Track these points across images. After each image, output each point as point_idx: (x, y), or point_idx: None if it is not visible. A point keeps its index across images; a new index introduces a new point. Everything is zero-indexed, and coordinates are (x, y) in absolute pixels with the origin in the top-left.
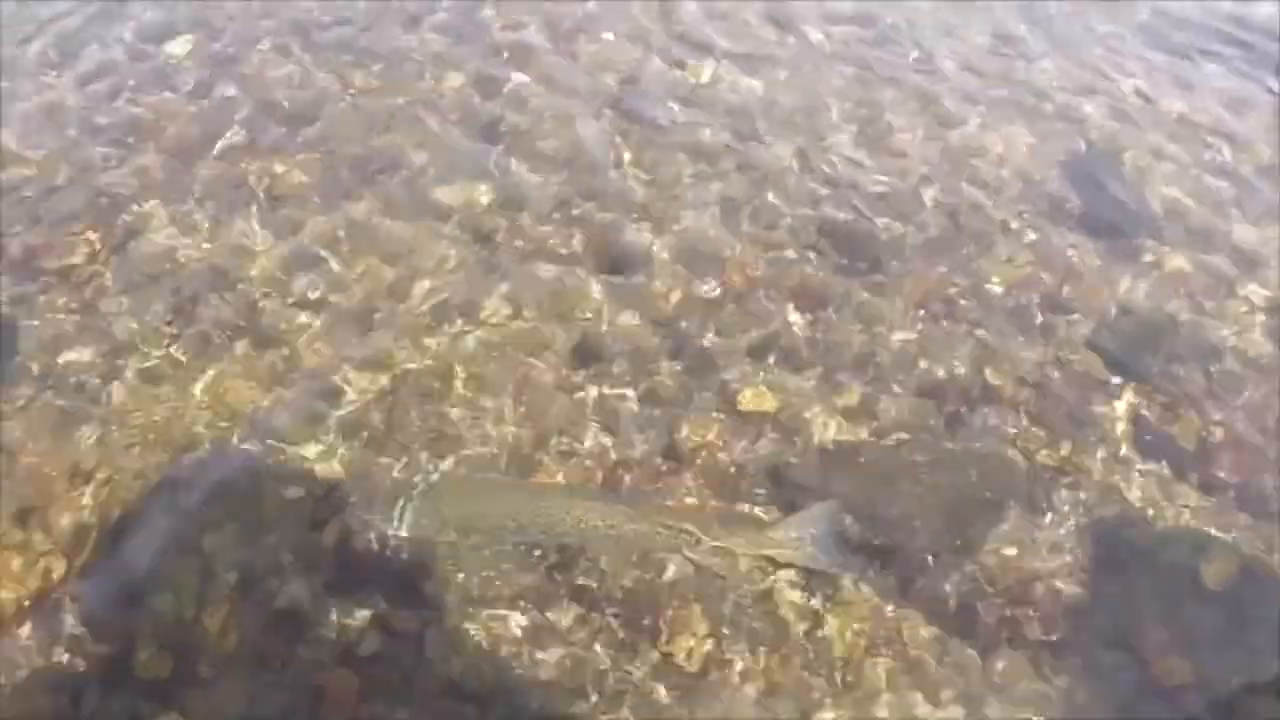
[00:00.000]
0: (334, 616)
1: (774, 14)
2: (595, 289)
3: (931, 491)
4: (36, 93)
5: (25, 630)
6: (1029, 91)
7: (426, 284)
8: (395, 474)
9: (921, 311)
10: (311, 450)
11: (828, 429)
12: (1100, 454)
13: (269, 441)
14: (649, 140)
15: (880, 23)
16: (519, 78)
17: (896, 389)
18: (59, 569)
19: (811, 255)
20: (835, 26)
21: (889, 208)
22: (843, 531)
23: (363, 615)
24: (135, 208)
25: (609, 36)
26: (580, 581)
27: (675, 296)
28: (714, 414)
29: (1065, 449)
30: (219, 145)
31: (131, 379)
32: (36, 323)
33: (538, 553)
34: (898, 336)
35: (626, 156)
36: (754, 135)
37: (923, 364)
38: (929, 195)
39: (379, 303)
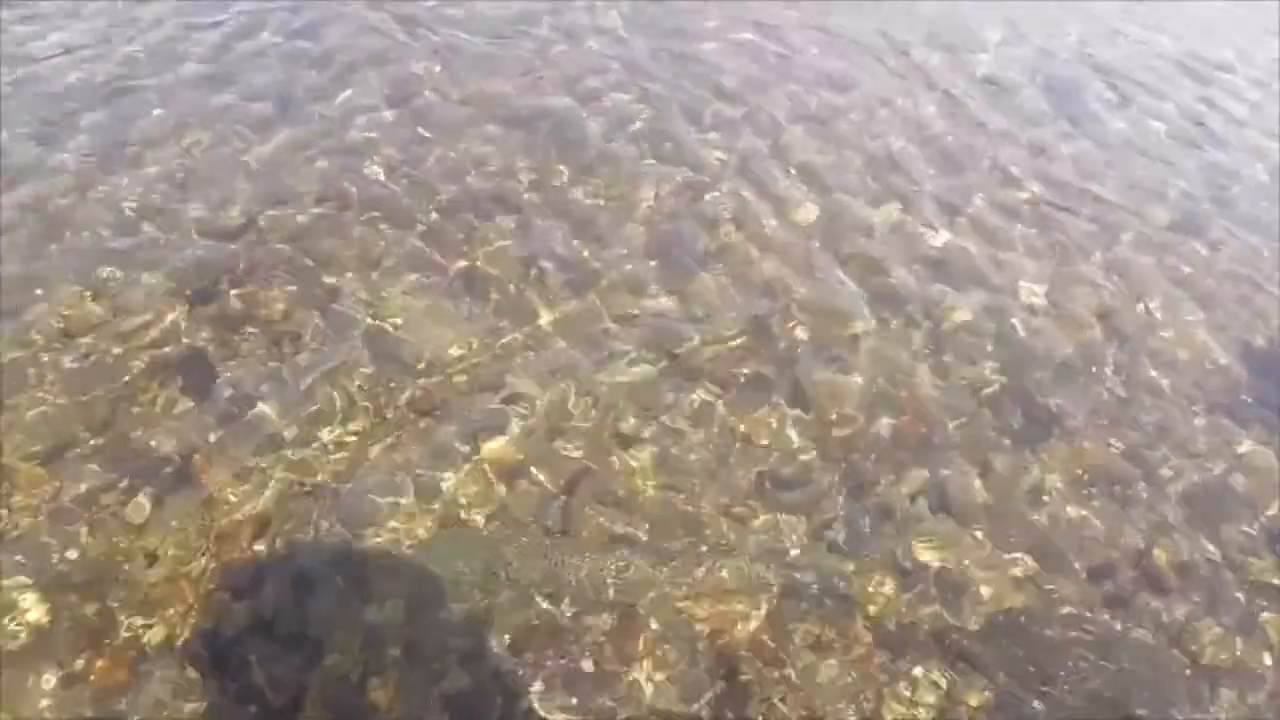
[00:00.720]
0: (503, 710)
1: (950, 170)
2: (774, 418)
3: (1090, 676)
4: (243, 152)
5: (201, 672)
6: (1210, 274)
7: (605, 393)
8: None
9: (1091, 485)
10: (485, 536)
11: (989, 592)
12: (1267, 660)
13: (445, 523)
14: (835, 278)
15: (1062, 190)
16: (717, 196)
17: (1061, 561)
18: (239, 615)
19: (986, 413)
20: (1024, 189)
21: (1064, 377)
22: None
23: (534, 713)
24: (333, 274)
25: (795, 169)
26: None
27: (850, 435)
28: (879, 558)
29: (1230, 650)
30: (417, 222)
31: (311, 437)
32: (234, 371)
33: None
34: (1066, 507)
35: (816, 292)
36: (935, 285)
37: (1089, 539)
38: (1105, 369)
39: (560, 408)
